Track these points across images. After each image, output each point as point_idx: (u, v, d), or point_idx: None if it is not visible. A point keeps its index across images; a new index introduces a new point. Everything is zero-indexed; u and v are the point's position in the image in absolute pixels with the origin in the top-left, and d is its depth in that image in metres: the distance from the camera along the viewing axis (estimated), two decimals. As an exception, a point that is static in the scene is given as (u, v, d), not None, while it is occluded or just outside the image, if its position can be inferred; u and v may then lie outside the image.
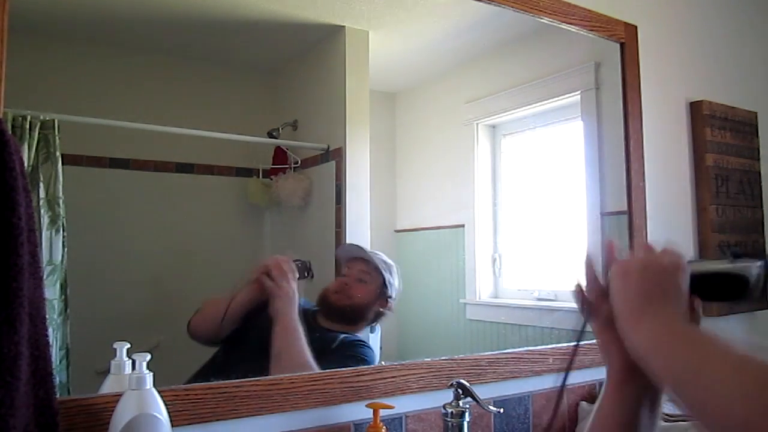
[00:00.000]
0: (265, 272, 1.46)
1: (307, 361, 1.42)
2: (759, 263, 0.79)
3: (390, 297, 1.65)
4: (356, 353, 1.56)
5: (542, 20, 1.83)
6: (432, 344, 1.97)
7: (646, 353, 0.78)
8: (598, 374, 1.80)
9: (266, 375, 1.33)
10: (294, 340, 1.43)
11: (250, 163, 1.70)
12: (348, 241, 1.69)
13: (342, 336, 1.57)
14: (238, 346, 1.46)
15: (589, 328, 0.95)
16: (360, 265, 1.65)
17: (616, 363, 0.92)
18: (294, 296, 1.45)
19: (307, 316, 1.53)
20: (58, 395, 0.84)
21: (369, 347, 1.61)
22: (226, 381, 1.26)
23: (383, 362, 1.53)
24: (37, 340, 0.76)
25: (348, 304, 1.61)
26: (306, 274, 1.50)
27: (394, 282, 1.65)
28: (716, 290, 0.83)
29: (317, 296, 1.61)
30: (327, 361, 1.45)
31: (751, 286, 0.79)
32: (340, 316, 1.60)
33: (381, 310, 1.64)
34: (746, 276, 0.79)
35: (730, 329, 2.18)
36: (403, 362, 1.52)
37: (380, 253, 1.67)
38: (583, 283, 0.95)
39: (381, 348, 1.78)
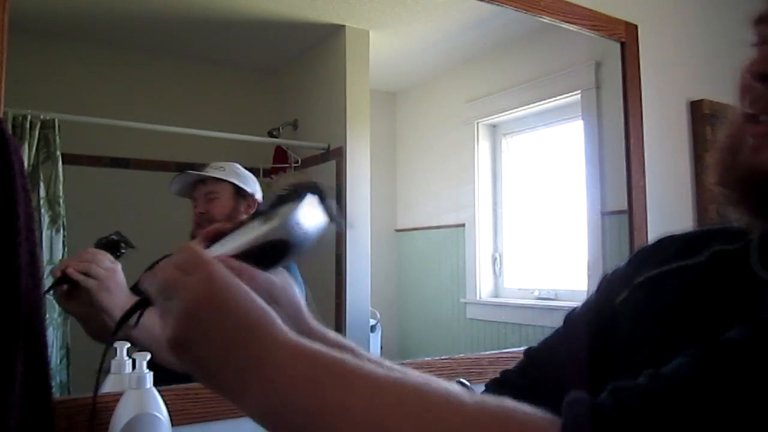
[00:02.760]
0: (65, 272, 1.13)
1: None
2: (294, 206, 0.60)
3: (253, 194, 1.50)
4: None
5: (543, 19, 1.82)
6: (432, 343, 1.97)
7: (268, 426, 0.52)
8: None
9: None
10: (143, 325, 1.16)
11: (251, 162, 1.70)
12: (348, 243, 1.68)
13: None
14: None
15: None
16: (202, 189, 1.49)
17: None
18: (115, 282, 1.16)
19: None
20: (57, 395, 0.84)
21: None
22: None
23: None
24: (35, 340, 0.76)
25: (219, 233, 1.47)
26: (123, 246, 1.22)
27: (247, 177, 1.51)
28: (269, 260, 0.62)
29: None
30: None
31: (297, 242, 0.61)
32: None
33: (251, 210, 1.47)
34: (285, 238, 0.60)
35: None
36: (404, 361, 1.52)
37: (212, 165, 1.51)
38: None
39: (381, 347, 1.79)
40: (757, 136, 0.58)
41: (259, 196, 1.52)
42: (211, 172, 1.49)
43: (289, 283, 0.67)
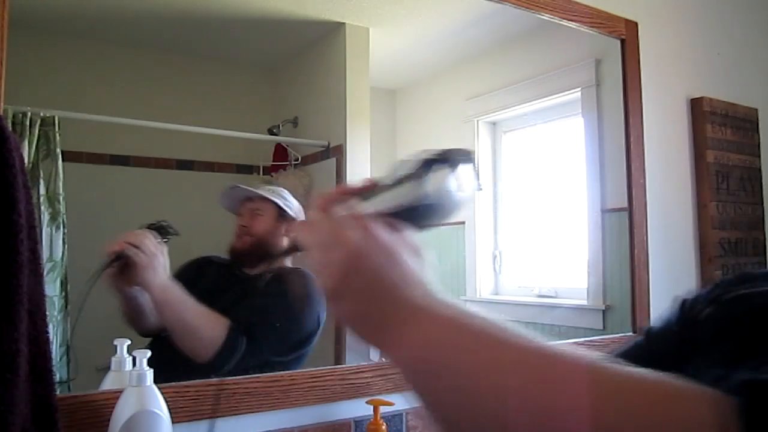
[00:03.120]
0: (119, 249, 1.28)
1: (205, 321, 1.34)
2: (449, 171, 0.62)
3: (295, 218, 1.57)
4: (293, 277, 1.52)
5: (543, 17, 1.83)
6: (432, 341, 1.97)
7: (415, 380, 0.54)
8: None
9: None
10: (179, 308, 1.32)
11: (251, 160, 1.70)
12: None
13: (270, 275, 1.52)
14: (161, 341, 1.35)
15: None
16: (248, 205, 1.56)
17: None
18: (158, 262, 1.29)
19: (227, 270, 1.53)
20: (58, 392, 0.84)
21: (307, 272, 1.49)
22: (226, 378, 1.26)
23: (383, 359, 1.53)
24: (37, 337, 0.76)
25: (253, 241, 1.55)
26: (168, 233, 1.34)
27: (292, 203, 1.58)
28: (416, 221, 0.64)
29: (227, 252, 1.56)
30: (258, 298, 1.45)
31: (445, 206, 0.63)
32: (255, 257, 1.54)
33: (289, 234, 1.56)
34: (436, 202, 0.62)
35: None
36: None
37: (262, 185, 1.60)
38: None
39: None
40: None
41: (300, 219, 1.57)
42: (260, 191, 1.57)
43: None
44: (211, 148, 1.65)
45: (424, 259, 0.63)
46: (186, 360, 1.30)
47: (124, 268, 1.27)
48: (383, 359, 0.55)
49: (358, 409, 1.40)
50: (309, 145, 1.75)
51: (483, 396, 0.49)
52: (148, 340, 1.35)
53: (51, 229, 1.27)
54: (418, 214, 0.63)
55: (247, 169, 1.69)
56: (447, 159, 0.63)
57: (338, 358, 1.62)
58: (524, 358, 0.50)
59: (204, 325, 1.35)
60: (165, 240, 1.32)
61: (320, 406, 1.37)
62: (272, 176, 1.69)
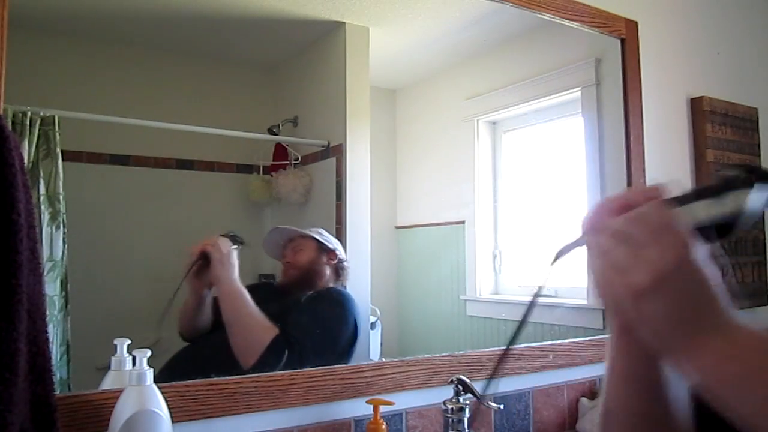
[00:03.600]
0: (203, 249, 1.47)
1: (259, 321, 1.45)
2: (753, 195, 0.63)
3: (334, 249, 1.68)
4: (328, 295, 1.66)
5: (543, 16, 1.82)
6: (432, 341, 1.97)
7: (721, 387, 0.56)
8: (599, 370, 1.81)
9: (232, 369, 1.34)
10: (240, 304, 1.46)
11: (251, 159, 1.70)
12: (348, 240, 1.69)
13: (311, 292, 1.63)
14: (206, 341, 1.48)
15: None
16: (290, 244, 1.67)
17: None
18: (231, 261, 1.47)
19: (273, 289, 1.64)
20: (58, 391, 0.84)
21: (341, 290, 1.67)
22: (227, 377, 1.26)
23: (383, 359, 1.53)
24: (36, 336, 0.76)
25: (298, 273, 1.66)
26: (239, 242, 1.51)
27: (329, 237, 1.69)
28: (715, 233, 0.65)
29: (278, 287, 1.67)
30: (299, 314, 1.54)
31: (740, 227, 0.65)
32: (301, 286, 1.64)
33: (332, 262, 1.68)
34: (733, 223, 0.64)
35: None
36: (404, 359, 1.52)
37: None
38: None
39: (381, 344, 1.79)
40: None
41: (339, 252, 1.68)
42: (298, 230, 1.69)
43: None
44: (211, 148, 1.65)
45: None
46: (224, 361, 1.40)
47: (203, 268, 1.45)
48: (675, 365, 0.55)
49: (358, 408, 1.40)
50: (309, 145, 1.75)
51: None
52: (153, 339, 1.35)
53: (51, 229, 1.27)
54: (721, 229, 0.64)
55: (247, 169, 1.69)
56: (751, 180, 0.63)
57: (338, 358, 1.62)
58: None
59: (256, 326, 1.45)
60: (236, 246, 1.49)
61: (320, 406, 1.37)
62: (272, 176, 1.69)
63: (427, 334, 2.00)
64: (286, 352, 1.42)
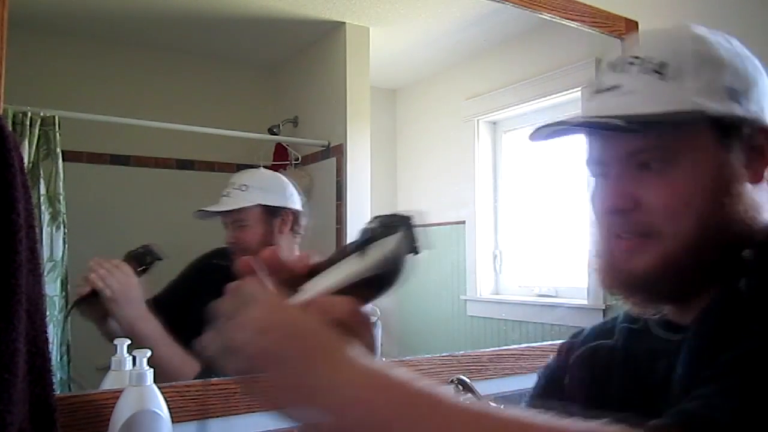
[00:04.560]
0: (92, 283, 1.24)
1: (175, 365, 1.24)
2: (391, 241, 0.61)
3: (284, 206, 1.46)
4: None
5: (543, 16, 1.82)
6: (433, 341, 1.97)
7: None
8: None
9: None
10: (148, 342, 1.20)
11: (251, 159, 1.70)
12: (349, 240, 1.68)
13: None
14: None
15: None
16: (226, 216, 1.45)
17: None
18: (127, 297, 1.25)
19: (229, 273, 1.46)
20: (58, 391, 0.84)
21: None
22: (227, 378, 1.26)
23: (383, 359, 1.53)
24: (36, 336, 0.76)
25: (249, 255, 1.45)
26: (147, 261, 1.30)
27: (280, 190, 1.48)
28: (365, 295, 0.63)
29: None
30: None
31: (391, 278, 0.63)
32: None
33: (287, 227, 1.47)
34: (381, 274, 0.62)
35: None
36: (404, 358, 1.52)
37: (233, 184, 1.47)
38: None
39: (381, 344, 1.78)
40: (624, 250, 0.74)
41: (292, 204, 1.48)
42: (233, 197, 1.44)
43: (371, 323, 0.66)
44: (212, 148, 1.65)
45: (369, 329, 0.62)
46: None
47: (96, 301, 1.24)
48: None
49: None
50: (309, 145, 1.75)
51: None
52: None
53: (51, 229, 1.27)
54: (362, 288, 0.61)
55: (247, 169, 1.69)
56: (390, 228, 0.62)
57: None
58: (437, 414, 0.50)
59: (175, 366, 1.24)
60: (143, 269, 1.29)
61: (320, 406, 1.36)
62: (272, 176, 1.69)
63: (427, 334, 1.99)
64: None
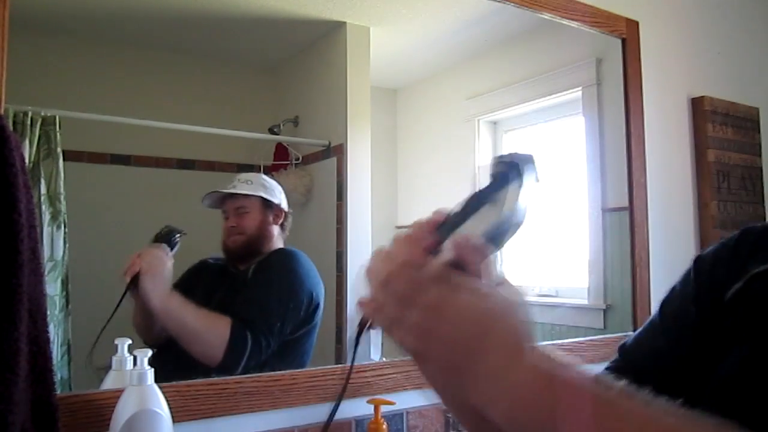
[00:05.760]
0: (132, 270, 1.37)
1: (208, 321, 1.39)
2: (519, 187, 0.61)
3: (279, 204, 1.60)
4: (276, 261, 1.57)
5: (544, 16, 1.82)
6: (433, 340, 1.97)
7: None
8: (599, 370, 1.81)
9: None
10: (179, 314, 1.37)
11: (252, 159, 1.70)
12: (349, 240, 1.68)
13: (254, 264, 1.54)
14: (170, 347, 1.39)
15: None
16: (229, 204, 1.57)
17: None
18: (160, 275, 1.37)
19: (222, 269, 1.55)
20: (59, 391, 0.84)
21: (288, 251, 1.59)
22: (227, 377, 1.26)
23: (384, 358, 1.53)
24: (37, 336, 0.76)
25: (244, 239, 1.57)
26: (174, 238, 1.42)
27: (274, 188, 1.60)
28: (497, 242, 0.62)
29: (221, 251, 1.59)
30: (250, 291, 1.48)
31: (522, 221, 0.63)
32: (248, 253, 1.56)
33: (279, 220, 1.60)
34: (517, 221, 0.62)
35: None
36: (404, 358, 1.52)
37: (239, 179, 1.60)
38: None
39: (382, 344, 1.78)
40: None
41: (285, 205, 1.61)
42: (239, 188, 1.57)
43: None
44: (212, 148, 1.65)
45: (518, 296, 0.61)
46: (193, 365, 1.33)
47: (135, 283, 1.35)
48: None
49: (358, 408, 1.40)
50: (310, 145, 1.75)
51: None
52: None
53: (52, 229, 1.27)
54: (497, 237, 0.61)
55: (248, 169, 1.69)
56: (516, 172, 0.62)
57: (339, 358, 1.62)
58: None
59: (206, 328, 1.39)
60: (173, 249, 1.40)
61: (321, 406, 1.36)
62: (273, 175, 1.69)
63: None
64: (249, 337, 1.38)
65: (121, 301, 1.34)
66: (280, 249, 1.60)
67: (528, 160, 0.62)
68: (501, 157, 0.63)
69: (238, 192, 1.57)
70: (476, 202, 0.63)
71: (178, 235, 1.42)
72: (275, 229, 1.60)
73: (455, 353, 0.54)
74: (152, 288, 1.34)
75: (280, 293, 1.51)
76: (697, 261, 0.78)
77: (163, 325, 1.36)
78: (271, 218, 1.59)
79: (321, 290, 1.56)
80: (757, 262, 0.70)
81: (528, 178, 0.62)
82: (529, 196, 0.62)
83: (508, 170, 0.61)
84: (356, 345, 0.69)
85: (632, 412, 0.49)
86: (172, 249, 1.41)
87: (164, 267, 1.39)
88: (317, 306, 1.55)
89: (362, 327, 0.66)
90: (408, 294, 0.56)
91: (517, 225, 0.62)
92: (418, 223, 0.62)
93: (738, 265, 0.71)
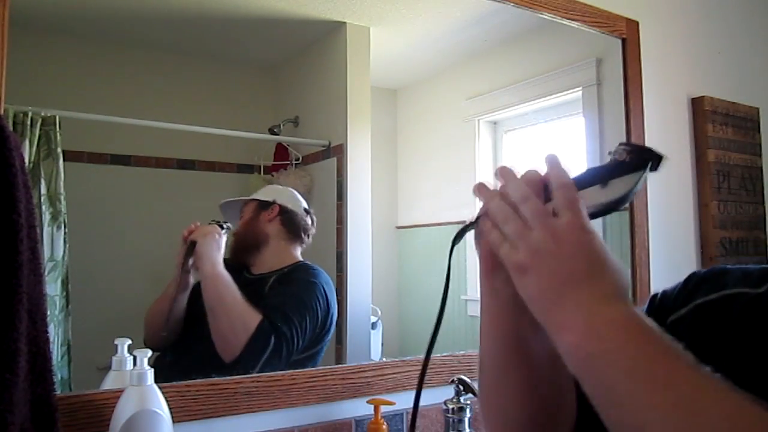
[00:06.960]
0: (191, 233, 1.46)
1: (243, 307, 1.41)
2: (639, 176, 0.67)
3: (272, 202, 1.62)
4: (299, 272, 1.59)
5: (544, 16, 1.82)
6: (433, 340, 1.97)
7: (578, 365, 0.59)
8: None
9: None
10: (224, 287, 1.42)
11: (252, 159, 1.70)
12: (349, 240, 1.68)
13: (274, 276, 1.56)
14: (175, 350, 1.43)
15: None
16: (240, 214, 1.64)
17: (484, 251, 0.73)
18: (218, 243, 1.45)
19: (238, 274, 1.54)
20: (58, 392, 0.84)
21: (309, 265, 1.61)
22: (227, 377, 1.26)
23: (384, 359, 1.53)
24: (37, 336, 0.76)
25: (237, 239, 1.58)
26: (225, 227, 1.50)
27: (275, 191, 1.65)
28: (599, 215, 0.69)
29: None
30: (275, 298, 1.50)
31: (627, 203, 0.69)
32: (242, 249, 1.58)
33: (272, 215, 1.62)
34: (624, 202, 0.68)
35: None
36: (405, 358, 1.52)
37: (263, 188, 1.67)
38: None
39: (382, 344, 1.79)
40: None
41: (281, 202, 1.64)
42: (238, 200, 1.63)
43: None
44: (212, 148, 1.65)
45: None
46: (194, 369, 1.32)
47: (189, 254, 1.44)
48: (552, 337, 0.62)
49: (358, 408, 1.40)
50: (310, 145, 1.75)
51: (626, 404, 0.54)
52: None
53: (52, 229, 1.27)
54: (610, 209, 0.68)
55: (247, 169, 1.69)
56: (639, 161, 0.67)
57: (339, 358, 1.62)
58: (675, 381, 0.53)
59: (239, 313, 1.41)
60: (224, 231, 1.49)
61: (321, 406, 1.37)
62: (273, 176, 1.69)
63: (428, 333, 1.99)
64: (273, 339, 1.40)
65: (184, 261, 1.43)
66: (302, 264, 1.61)
67: (659, 158, 0.67)
68: (631, 145, 0.68)
69: (240, 199, 1.62)
70: (589, 176, 0.71)
71: (227, 224, 1.50)
72: (271, 226, 1.62)
73: (563, 275, 0.61)
74: (208, 252, 1.43)
75: (307, 308, 1.52)
76: (656, 294, 0.87)
77: (205, 294, 1.40)
78: (262, 215, 1.62)
79: (335, 311, 1.58)
80: (701, 294, 0.79)
81: (648, 175, 0.67)
82: (638, 192, 0.67)
83: (638, 161, 0.66)
84: (455, 242, 0.80)
85: (708, 386, 0.52)
86: (223, 231, 1.49)
87: (220, 237, 1.46)
88: (330, 328, 1.56)
89: (466, 228, 0.76)
90: (537, 215, 0.65)
91: (615, 210, 0.69)
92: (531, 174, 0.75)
93: (684, 296, 0.81)
